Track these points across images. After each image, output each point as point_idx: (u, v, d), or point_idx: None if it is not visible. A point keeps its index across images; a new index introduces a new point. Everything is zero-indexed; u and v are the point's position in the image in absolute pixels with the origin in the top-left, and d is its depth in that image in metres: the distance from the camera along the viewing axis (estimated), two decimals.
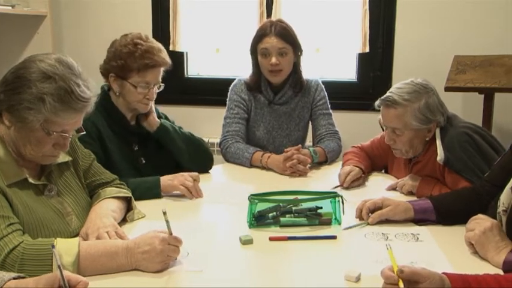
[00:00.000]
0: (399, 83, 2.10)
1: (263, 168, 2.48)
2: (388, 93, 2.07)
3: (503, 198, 1.58)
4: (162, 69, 2.13)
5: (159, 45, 2.13)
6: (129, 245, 1.44)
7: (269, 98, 2.65)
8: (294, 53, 2.58)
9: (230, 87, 2.71)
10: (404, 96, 2.02)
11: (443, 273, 1.27)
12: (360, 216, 1.83)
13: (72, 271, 1.32)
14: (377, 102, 2.10)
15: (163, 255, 1.43)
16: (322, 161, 2.56)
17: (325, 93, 2.73)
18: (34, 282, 1.15)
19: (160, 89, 2.16)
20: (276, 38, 2.52)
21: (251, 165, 2.51)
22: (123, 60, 2.05)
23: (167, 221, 1.45)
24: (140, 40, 2.08)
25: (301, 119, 2.70)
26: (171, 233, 1.46)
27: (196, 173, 2.09)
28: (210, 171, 2.46)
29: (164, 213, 1.45)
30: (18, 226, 1.42)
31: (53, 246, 1.19)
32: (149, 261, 1.42)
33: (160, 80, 2.14)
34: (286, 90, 2.65)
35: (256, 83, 2.64)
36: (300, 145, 2.49)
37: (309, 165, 2.43)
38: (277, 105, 2.66)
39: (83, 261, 1.36)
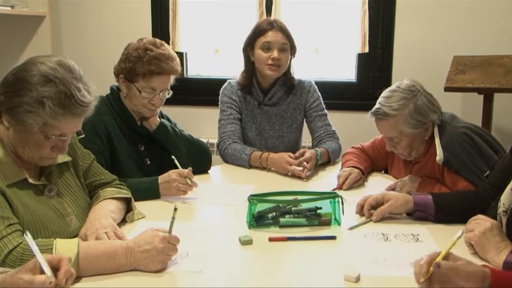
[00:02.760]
0: (386, 92, 2.10)
1: (263, 168, 2.48)
2: (377, 105, 2.07)
3: (504, 199, 1.58)
4: (171, 77, 2.14)
5: (171, 53, 2.13)
6: (129, 244, 1.43)
7: (259, 99, 2.65)
8: (290, 52, 2.59)
9: (220, 91, 2.71)
10: (393, 106, 2.02)
11: (485, 266, 1.26)
12: (360, 212, 1.85)
13: None
14: (368, 115, 2.10)
15: (164, 254, 1.43)
16: (325, 162, 2.56)
17: (319, 93, 2.72)
18: (16, 272, 1.17)
19: (169, 96, 2.17)
20: (280, 33, 2.55)
21: (250, 166, 2.51)
22: (132, 64, 2.08)
23: (174, 218, 1.45)
24: (152, 46, 2.09)
25: (293, 120, 2.69)
26: (170, 232, 1.46)
27: (186, 170, 2.06)
28: (209, 171, 2.46)
29: (175, 209, 1.45)
30: (18, 227, 1.41)
31: (26, 234, 1.20)
32: (150, 260, 1.42)
33: (168, 87, 2.15)
34: (276, 91, 2.64)
35: (247, 82, 2.64)
36: (305, 153, 2.42)
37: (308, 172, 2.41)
38: (268, 106, 2.66)
39: (82, 261, 1.36)
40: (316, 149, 2.52)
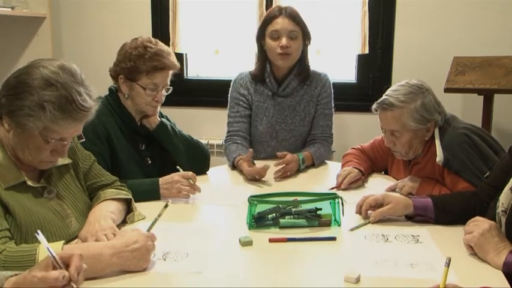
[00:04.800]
0: (394, 86, 2.11)
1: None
2: (384, 97, 2.07)
3: (503, 198, 1.58)
4: (170, 72, 2.16)
5: (168, 49, 2.16)
6: (115, 245, 1.43)
7: (273, 89, 2.60)
8: (302, 40, 2.54)
9: (231, 83, 2.67)
10: (400, 98, 2.02)
11: None
12: (359, 212, 1.85)
13: None
14: (374, 106, 2.10)
15: (151, 251, 1.45)
16: (309, 165, 2.54)
17: (332, 90, 2.67)
18: (29, 271, 1.16)
19: (169, 92, 2.18)
20: (288, 20, 2.49)
21: (234, 167, 2.48)
22: (133, 62, 2.08)
23: (159, 216, 1.46)
24: (150, 43, 2.11)
25: (306, 113, 2.63)
26: (149, 230, 1.48)
27: (190, 173, 2.07)
28: (209, 172, 2.46)
29: (166, 206, 1.47)
30: (5, 233, 1.41)
31: (38, 233, 1.19)
32: (140, 258, 1.42)
33: (168, 83, 2.17)
34: (291, 81, 2.59)
35: (261, 72, 2.59)
36: (287, 155, 2.40)
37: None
38: (282, 97, 2.61)
39: None
40: (299, 153, 2.49)
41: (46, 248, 1.16)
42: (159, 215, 1.53)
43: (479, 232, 1.51)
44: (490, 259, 1.47)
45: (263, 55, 2.59)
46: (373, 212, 1.81)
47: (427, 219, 1.79)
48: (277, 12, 2.52)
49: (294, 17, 2.51)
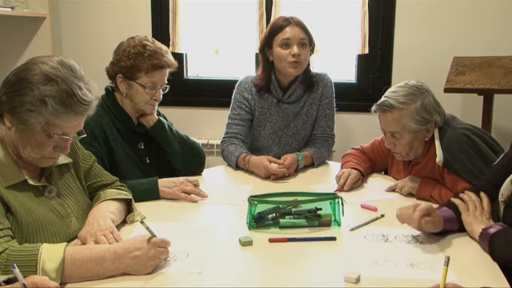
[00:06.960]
0: (394, 87, 2.11)
1: (247, 171, 2.44)
2: (383, 98, 2.07)
3: (503, 190, 1.62)
4: (168, 70, 2.16)
5: (166, 48, 2.17)
6: (118, 250, 1.43)
7: (278, 96, 2.59)
8: (309, 48, 2.55)
9: (236, 84, 2.66)
10: (400, 99, 2.02)
11: None
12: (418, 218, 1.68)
13: (56, 277, 1.32)
14: (373, 108, 2.10)
15: (155, 259, 1.44)
16: (308, 165, 2.54)
17: (333, 89, 2.67)
18: None
19: (166, 91, 2.18)
20: (298, 28, 2.50)
21: (237, 167, 2.49)
22: (132, 61, 2.08)
23: (147, 228, 1.46)
24: (148, 42, 2.12)
25: (308, 117, 2.63)
26: (155, 236, 1.46)
27: (195, 178, 2.10)
28: (209, 172, 2.46)
29: (142, 222, 1.47)
30: (8, 232, 1.41)
31: (14, 267, 1.17)
32: (140, 265, 1.42)
33: (166, 82, 2.17)
34: (296, 88, 2.59)
35: (265, 82, 2.57)
36: (287, 159, 2.41)
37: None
38: (286, 104, 2.60)
39: (68, 266, 1.35)
40: (298, 153, 2.50)
41: (22, 284, 1.15)
42: (147, 228, 1.49)
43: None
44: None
45: (268, 65, 2.57)
46: (427, 219, 1.65)
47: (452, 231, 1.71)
48: (284, 22, 2.52)
49: (302, 26, 2.52)
